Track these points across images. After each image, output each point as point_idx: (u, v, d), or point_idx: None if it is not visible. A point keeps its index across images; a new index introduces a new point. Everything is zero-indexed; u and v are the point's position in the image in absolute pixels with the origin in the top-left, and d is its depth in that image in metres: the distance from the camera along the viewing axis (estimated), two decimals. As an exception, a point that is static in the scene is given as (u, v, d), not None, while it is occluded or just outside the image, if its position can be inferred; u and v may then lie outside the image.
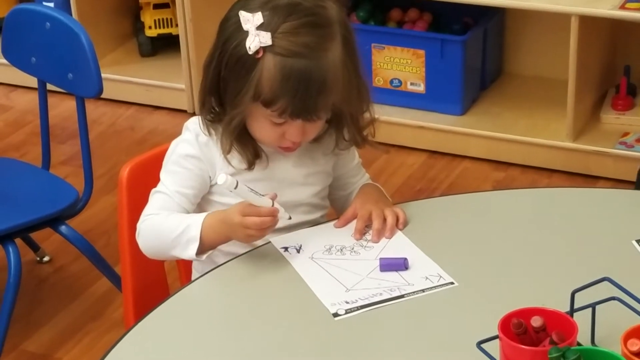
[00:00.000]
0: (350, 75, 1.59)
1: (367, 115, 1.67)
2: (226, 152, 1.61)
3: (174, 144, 1.67)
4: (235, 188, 1.51)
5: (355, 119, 1.65)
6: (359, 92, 1.64)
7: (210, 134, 1.63)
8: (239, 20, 1.55)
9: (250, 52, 1.53)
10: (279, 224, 1.58)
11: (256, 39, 1.53)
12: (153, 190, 1.66)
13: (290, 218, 1.60)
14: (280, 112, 1.56)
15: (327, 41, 1.56)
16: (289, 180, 1.67)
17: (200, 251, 1.59)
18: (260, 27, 1.53)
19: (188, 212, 1.64)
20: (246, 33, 1.54)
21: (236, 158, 1.63)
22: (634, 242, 1.58)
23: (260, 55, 1.54)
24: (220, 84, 1.59)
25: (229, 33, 1.57)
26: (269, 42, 1.53)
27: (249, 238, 1.56)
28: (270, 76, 1.54)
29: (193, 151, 1.64)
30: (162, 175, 1.66)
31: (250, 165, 1.62)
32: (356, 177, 1.76)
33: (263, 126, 1.60)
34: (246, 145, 1.62)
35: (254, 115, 1.59)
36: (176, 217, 1.61)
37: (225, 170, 1.63)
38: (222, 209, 1.62)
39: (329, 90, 1.56)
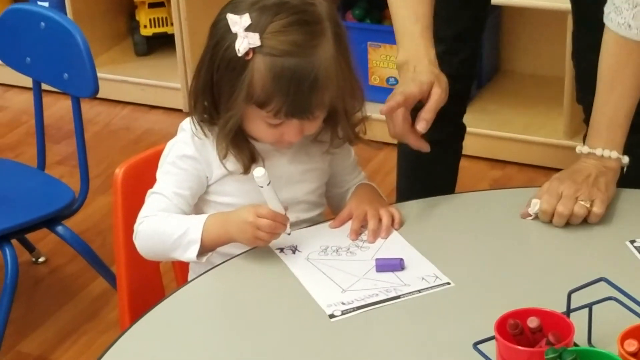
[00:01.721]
0: (343, 72, 1.59)
1: (358, 113, 1.67)
2: (222, 156, 1.61)
3: (170, 144, 1.67)
4: (268, 185, 1.53)
5: (349, 116, 1.65)
6: (353, 89, 1.63)
7: (205, 135, 1.63)
8: (228, 23, 1.54)
9: (240, 54, 1.53)
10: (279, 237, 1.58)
11: (245, 41, 1.53)
12: (149, 191, 1.65)
13: (289, 234, 1.60)
14: (274, 112, 1.55)
15: (317, 38, 1.55)
16: (286, 178, 1.66)
17: (201, 253, 1.59)
18: (248, 29, 1.53)
19: (186, 213, 1.63)
20: (235, 35, 1.54)
21: (231, 161, 1.62)
22: (628, 243, 1.58)
23: (250, 56, 1.53)
24: (213, 87, 1.59)
25: (219, 36, 1.56)
26: (258, 43, 1.53)
27: (256, 240, 1.56)
28: (262, 77, 1.53)
29: (189, 151, 1.63)
30: (159, 176, 1.65)
31: (247, 170, 1.62)
32: (352, 174, 1.76)
33: (260, 127, 1.60)
34: (242, 149, 1.61)
35: (249, 117, 1.59)
36: (176, 218, 1.60)
37: (221, 172, 1.62)
38: (223, 211, 1.61)
39: (322, 88, 1.55)
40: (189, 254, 1.58)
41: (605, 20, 1.68)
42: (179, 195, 1.63)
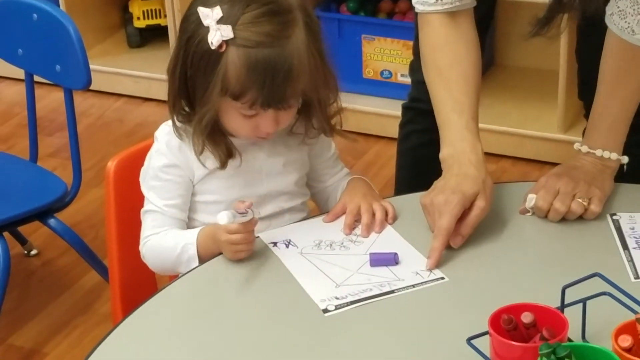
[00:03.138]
0: (315, 61, 1.58)
1: (334, 105, 1.66)
2: (199, 152, 1.60)
3: (148, 157, 1.67)
4: (234, 220, 1.52)
5: (323, 107, 1.64)
6: (326, 79, 1.62)
7: (181, 136, 1.62)
8: (199, 17, 1.54)
9: (213, 47, 1.52)
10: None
11: (217, 33, 1.52)
12: (142, 210, 1.66)
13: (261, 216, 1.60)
14: (250, 104, 1.55)
15: (289, 28, 1.55)
16: (266, 171, 1.66)
17: (201, 263, 1.60)
18: (220, 21, 1.52)
19: (182, 220, 1.65)
20: (207, 29, 1.53)
21: (210, 158, 1.62)
22: (608, 217, 1.59)
23: (223, 49, 1.53)
24: (187, 83, 1.58)
25: (191, 31, 1.56)
26: (231, 35, 1.52)
27: (237, 254, 1.55)
28: (236, 69, 1.53)
29: (167, 160, 1.63)
30: (145, 192, 1.66)
31: (223, 165, 1.62)
32: (333, 169, 1.75)
33: (235, 119, 1.59)
34: (218, 144, 1.61)
35: (224, 109, 1.58)
36: (172, 236, 1.62)
37: (202, 171, 1.62)
38: (210, 209, 1.62)
39: (296, 78, 1.55)
40: (191, 267, 1.59)
41: (607, 21, 1.64)
42: (170, 206, 1.63)
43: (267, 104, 1.55)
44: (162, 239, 1.62)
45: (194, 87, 1.58)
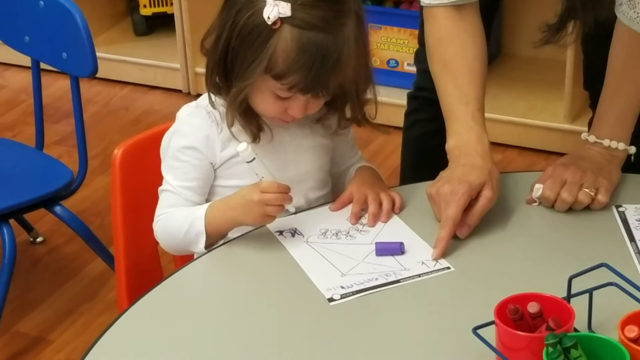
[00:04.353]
0: (361, 53, 1.58)
1: (369, 96, 1.65)
2: (230, 125, 1.59)
3: (167, 135, 1.65)
4: (252, 161, 1.51)
5: (360, 98, 1.64)
6: (367, 72, 1.62)
7: (215, 107, 1.61)
8: None
9: (269, 22, 1.50)
10: (284, 213, 1.56)
11: (275, 9, 1.51)
12: (159, 188, 1.65)
13: (294, 212, 1.59)
14: (290, 86, 1.54)
15: (343, 16, 1.54)
16: (291, 154, 1.65)
17: (210, 243, 1.58)
18: None
19: (197, 204, 1.62)
20: (263, 2, 1.51)
21: (241, 132, 1.61)
22: (613, 208, 1.59)
23: (277, 25, 1.51)
24: (227, 56, 1.56)
25: (242, 2, 1.54)
26: (289, 13, 1.51)
27: (265, 218, 1.55)
28: (287, 48, 1.51)
29: (187, 142, 1.62)
30: (163, 171, 1.64)
31: (255, 138, 1.60)
32: (350, 153, 1.75)
33: (266, 99, 1.57)
34: (250, 120, 1.59)
35: (259, 87, 1.56)
36: (181, 213, 1.60)
37: (226, 154, 1.61)
38: (223, 197, 1.60)
39: (342, 67, 1.54)
40: (200, 246, 1.58)
41: (617, 11, 1.63)
42: (186, 188, 1.61)
43: (308, 89, 1.54)
44: (172, 216, 1.61)
45: (234, 61, 1.56)
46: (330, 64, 1.52)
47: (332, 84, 1.56)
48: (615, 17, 1.65)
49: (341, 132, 1.69)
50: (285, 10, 1.51)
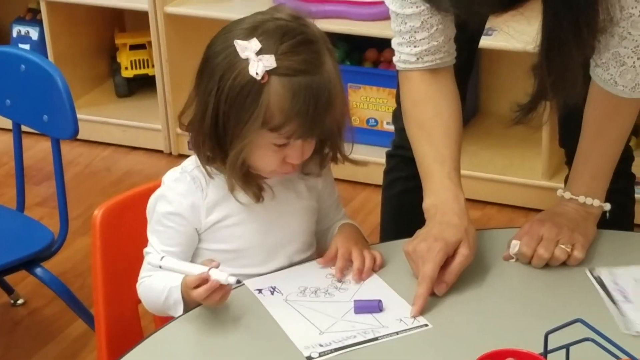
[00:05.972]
0: (341, 87, 1.60)
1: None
2: (231, 190, 1.60)
3: (153, 199, 1.65)
4: (160, 260, 1.52)
5: (341, 134, 1.65)
6: (346, 104, 1.65)
7: (210, 176, 1.61)
8: (232, 51, 1.54)
9: (258, 77, 1.52)
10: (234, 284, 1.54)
11: (260, 64, 1.52)
12: (145, 250, 1.65)
13: (239, 282, 1.56)
14: (289, 134, 1.55)
15: (322, 55, 1.57)
16: (276, 219, 1.65)
17: (188, 309, 1.59)
18: (260, 52, 1.53)
19: None
20: (245, 61, 1.53)
21: (240, 194, 1.61)
22: (587, 271, 1.60)
23: (265, 79, 1.53)
24: (218, 123, 1.57)
25: (223, 67, 1.55)
26: (274, 65, 1.53)
27: (210, 304, 1.54)
28: (280, 98, 1.53)
29: (172, 209, 1.62)
30: (149, 234, 1.65)
31: (258, 199, 1.61)
32: (335, 212, 1.76)
33: (266, 153, 1.58)
34: (249, 181, 1.60)
35: (257, 144, 1.57)
36: (160, 282, 1.61)
37: (212, 218, 1.62)
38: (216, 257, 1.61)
39: (334, 104, 1.57)
40: (179, 312, 1.59)
41: (592, 73, 1.66)
42: (169, 253, 1.62)
43: (307, 134, 1.56)
44: (153, 281, 1.62)
45: (227, 126, 1.57)
46: (323, 103, 1.54)
47: (327, 123, 1.58)
48: (584, 99, 1.68)
49: (321, 173, 1.69)
50: (270, 62, 1.53)
